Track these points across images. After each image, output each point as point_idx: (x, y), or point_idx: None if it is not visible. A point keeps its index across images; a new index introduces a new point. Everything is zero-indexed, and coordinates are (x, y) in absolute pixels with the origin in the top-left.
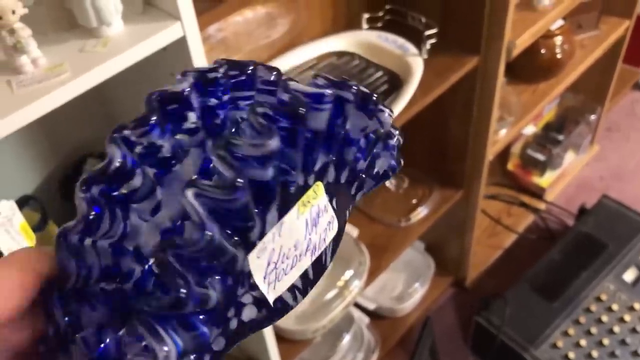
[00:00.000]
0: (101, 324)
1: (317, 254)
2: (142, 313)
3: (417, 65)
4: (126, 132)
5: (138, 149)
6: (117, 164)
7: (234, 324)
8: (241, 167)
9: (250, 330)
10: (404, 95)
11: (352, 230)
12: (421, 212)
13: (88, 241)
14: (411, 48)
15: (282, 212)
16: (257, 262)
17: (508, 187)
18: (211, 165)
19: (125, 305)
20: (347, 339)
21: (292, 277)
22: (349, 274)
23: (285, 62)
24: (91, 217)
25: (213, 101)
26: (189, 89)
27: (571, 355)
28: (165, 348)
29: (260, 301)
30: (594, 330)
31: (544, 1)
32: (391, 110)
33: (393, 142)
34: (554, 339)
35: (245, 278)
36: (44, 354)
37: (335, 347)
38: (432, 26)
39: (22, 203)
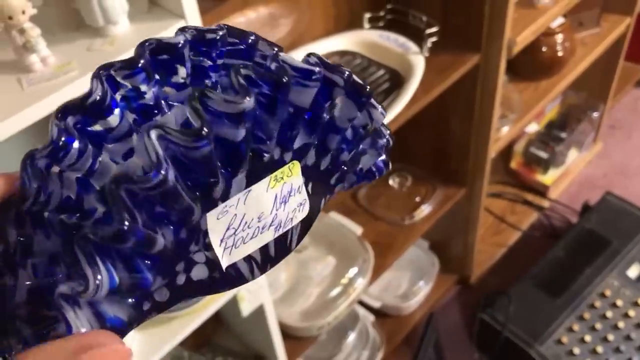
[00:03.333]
0: (53, 255)
1: (281, 231)
2: (85, 240)
3: (418, 63)
4: (112, 71)
5: (121, 91)
6: (97, 98)
7: (181, 279)
8: (210, 120)
9: (197, 292)
10: (406, 93)
11: (355, 228)
12: (424, 210)
13: (55, 169)
14: (412, 47)
15: (251, 180)
16: (215, 223)
17: (511, 185)
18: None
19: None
20: (352, 337)
21: (251, 247)
22: (353, 271)
23: None
24: (61, 144)
25: (206, 62)
26: (183, 43)
27: (576, 350)
28: (99, 277)
29: (213, 263)
30: (598, 326)
31: None
32: (384, 109)
33: (382, 141)
34: (559, 335)
35: (200, 235)
36: None
37: (340, 345)
38: (433, 25)
39: None
